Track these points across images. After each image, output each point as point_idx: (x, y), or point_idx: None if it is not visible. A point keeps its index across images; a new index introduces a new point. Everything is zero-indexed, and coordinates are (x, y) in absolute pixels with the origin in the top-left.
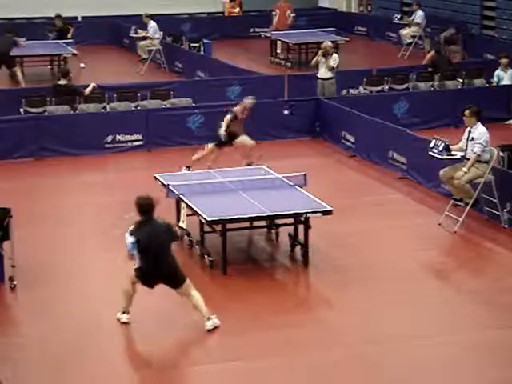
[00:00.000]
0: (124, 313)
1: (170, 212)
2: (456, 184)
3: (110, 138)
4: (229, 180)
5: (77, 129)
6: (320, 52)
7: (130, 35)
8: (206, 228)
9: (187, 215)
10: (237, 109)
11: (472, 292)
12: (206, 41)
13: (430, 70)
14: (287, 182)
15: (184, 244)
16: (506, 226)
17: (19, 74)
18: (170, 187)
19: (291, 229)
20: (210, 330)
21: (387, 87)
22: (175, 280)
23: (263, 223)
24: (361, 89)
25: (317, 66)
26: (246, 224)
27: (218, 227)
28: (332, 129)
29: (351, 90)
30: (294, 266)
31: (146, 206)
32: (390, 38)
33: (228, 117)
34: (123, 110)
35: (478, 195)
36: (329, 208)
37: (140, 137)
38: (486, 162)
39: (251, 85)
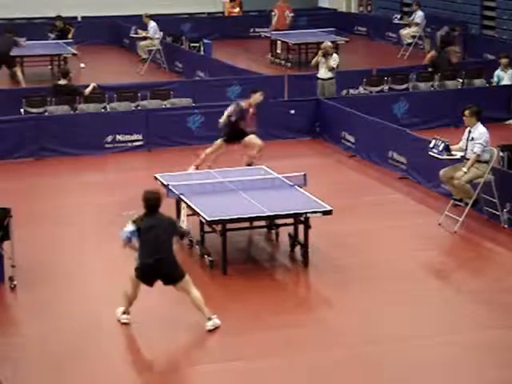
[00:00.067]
0: (124, 313)
1: (170, 212)
2: (456, 184)
3: (110, 138)
4: (229, 180)
5: (77, 129)
6: (320, 52)
7: (130, 35)
8: (206, 228)
9: (187, 215)
10: (243, 101)
11: (472, 292)
12: (206, 41)
13: (429, 70)
14: (287, 181)
15: (184, 244)
16: (505, 226)
17: (19, 74)
18: (170, 187)
19: (291, 229)
20: (210, 331)
21: (387, 87)
22: (174, 275)
23: (263, 223)
24: (361, 89)
25: (317, 66)
26: (246, 224)
27: (218, 227)
28: (332, 129)
29: (351, 90)
30: (294, 266)
31: (152, 201)
32: (390, 38)
33: (231, 108)
34: (123, 110)
35: (478, 195)
36: (329, 208)
37: (140, 137)
38: (486, 162)
39: (251, 85)
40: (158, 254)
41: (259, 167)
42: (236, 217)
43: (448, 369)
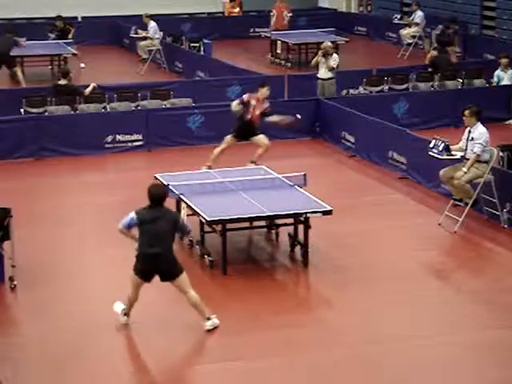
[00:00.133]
0: (125, 315)
1: None
2: (456, 184)
3: (110, 138)
4: (229, 180)
5: (77, 129)
6: (320, 52)
7: (130, 35)
8: (206, 228)
9: (187, 215)
10: (248, 96)
11: (472, 292)
12: (206, 41)
13: (429, 70)
14: (287, 182)
15: (184, 244)
16: (505, 226)
17: (20, 74)
18: (170, 187)
19: (291, 229)
20: (209, 330)
21: (387, 87)
22: (172, 270)
23: (263, 223)
24: (361, 89)
25: (317, 67)
26: (246, 224)
27: (218, 227)
28: (332, 129)
29: (351, 90)
30: (294, 266)
31: (157, 195)
32: (390, 38)
33: (236, 101)
34: (123, 110)
35: (478, 195)
36: (329, 208)
37: (140, 137)
38: (486, 162)
39: (251, 85)
40: (158, 246)
41: (259, 167)
42: (236, 217)
43: (448, 369)
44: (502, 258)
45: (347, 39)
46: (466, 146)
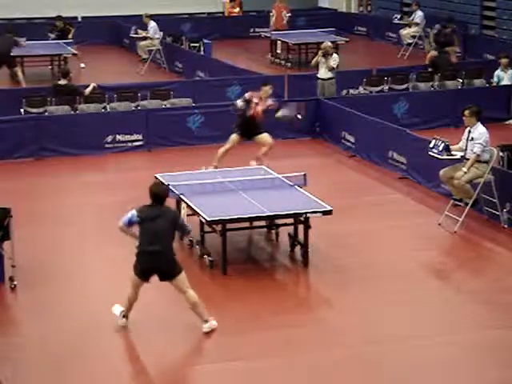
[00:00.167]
0: (124, 317)
1: None
2: (456, 184)
3: (110, 138)
4: (229, 180)
5: (77, 129)
6: (320, 52)
7: (130, 35)
8: (206, 228)
9: (187, 215)
10: (251, 94)
11: (472, 292)
12: (206, 41)
13: (429, 70)
14: (287, 182)
15: (184, 244)
16: (505, 226)
17: (20, 74)
18: (170, 187)
19: (291, 229)
20: (207, 333)
21: (387, 87)
22: (171, 269)
23: (263, 223)
24: (361, 89)
25: (317, 66)
26: (246, 224)
27: (218, 227)
28: (332, 129)
29: (351, 90)
30: (294, 266)
31: (158, 194)
32: (390, 38)
33: (241, 103)
34: (123, 110)
35: (478, 195)
36: (329, 208)
37: (140, 137)
38: (486, 162)
39: (251, 85)
40: (158, 244)
41: (259, 167)
42: (236, 217)
43: (448, 369)
44: (501, 258)
45: (347, 39)
46: (466, 146)
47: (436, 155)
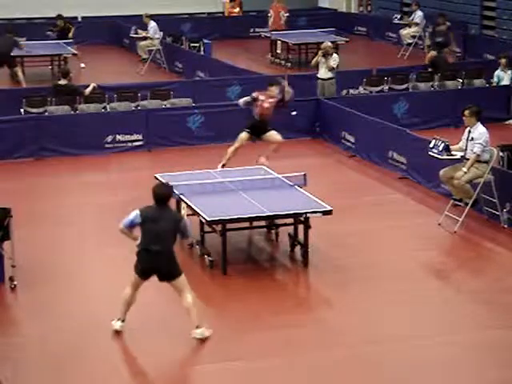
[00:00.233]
0: (119, 320)
1: None
2: (456, 184)
3: (110, 138)
4: (229, 180)
5: (77, 129)
6: (320, 52)
7: (130, 35)
8: (206, 228)
9: (187, 215)
10: (257, 93)
11: (472, 292)
12: (206, 41)
13: (429, 70)
14: (287, 181)
15: (184, 244)
16: (505, 226)
17: (20, 74)
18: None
19: (291, 229)
20: (196, 339)
21: (387, 87)
22: (171, 271)
23: (263, 223)
24: (361, 89)
25: (317, 66)
26: (246, 224)
27: (218, 227)
28: (332, 129)
29: (351, 90)
30: (294, 266)
31: (161, 195)
32: (390, 38)
33: (247, 98)
34: (123, 110)
35: (478, 195)
36: (329, 208)
37: (140, 137)
38: (486, 162)
39: (251, 85)
40: (159, 245)
41: (259, 167)
42: (236, 217)
43: (448, 369)
44: (502, 258)
45: (347, 39)
46: (466, 146)
47: (436, 155)
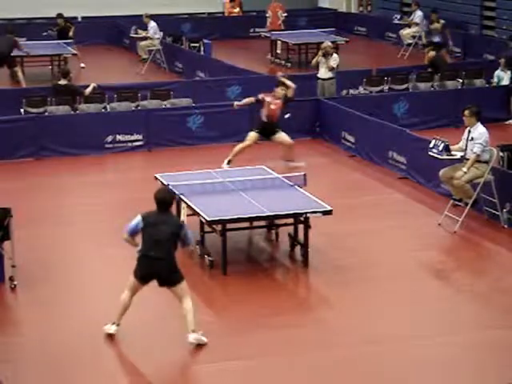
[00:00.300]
0: (114, 324)
1: None
2: (456, 184)
3: (110, 138)
4: (229, 180)
5: (77, 129)
6: (320, 52)
7: (130, 35)
8: (206, 228)
9: (187, 215)
10: (264, 95)
11: (472, 292)
12: (206, 41)
13: (429, 70)
14: (287, 182)
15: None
16: (505, 225)
17: (20, 74)
18: (170, 187)
19: (291, 229)
20: (192, 344)
21: (387, 87)
22: (171, 277)
23: (263, 223)
24: (361, 89)
25: (317, 66)
26: (246, 224)
27: (218, 227)
28: (332, 129)
29: (351, 90)
30: (294, 266)
31: (163, 200)
32: (390, 38)
33: (252, 98)
34: (123, 110)
35: (478, 195)
36: (329, 208)
37: (140, 137)
38: (486, 162)
39: (251, 85)
40: (158, 251)
41: (259, 167)
42: (236, 217)
43: (448, 369)
44: (502, 258)
45: (347, 39)
46: (466, 146)
47: (436, 155)
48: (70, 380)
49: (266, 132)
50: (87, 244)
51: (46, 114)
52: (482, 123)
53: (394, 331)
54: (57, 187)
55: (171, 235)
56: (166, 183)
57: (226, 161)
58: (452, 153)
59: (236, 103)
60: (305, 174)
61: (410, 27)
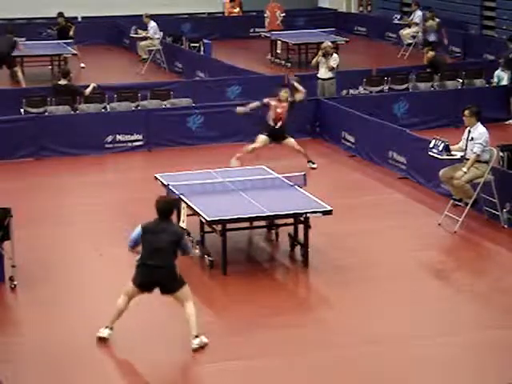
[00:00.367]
0: (107, 327)
1: None
2: (456, 184)
3: (110, 138)
4: (229, 180)
5: (77, 129)
6: (320, 52)
7: (130, 35)
8: (206, 228)
9: (187, 215)
10: (268, 99)
11: (472, 292)
12: (205, 41)
13: (428, 70)
14: (287, 182)
15: None
16: (505, 225)
17: (20, 74)
18: (171, 187)
19: (291, 229)
20: (195, 350)
21: (387, 87)
22: (171, 285)
23: (263, 223)
24: (361, 89)
25: (317, 66)
26: (246, 224)
27: (218, 227)
28: (332, 129)
29: (351, 90)
30: (294, 266)
31: (163, 209)
32: (390, 38)
33: (257, 103)
34: (123, 110)
35: (478, 195)
36: (329, 208)
37: (140, 137)
38: (486, 162)
39: (251, 85)
40: (158, 259)
41: (259, 167)
42: (236, 217)
43: (448, 369)
44: (502, 258)
45: (347, 39)
46: (466, 146)
47: (436, 155)
48: (70, 380)
49: (276, 137)
50: (87, 244)
51: (46, 113)
52: (482, 123)
53: (394, 331)
54: (57, 187)
55: (171, 244)
56: (165, 183)
57: (236, 155)
58: (452, 153)
59: (240, 109)
60: (305, 174)
61: (409, 27)
